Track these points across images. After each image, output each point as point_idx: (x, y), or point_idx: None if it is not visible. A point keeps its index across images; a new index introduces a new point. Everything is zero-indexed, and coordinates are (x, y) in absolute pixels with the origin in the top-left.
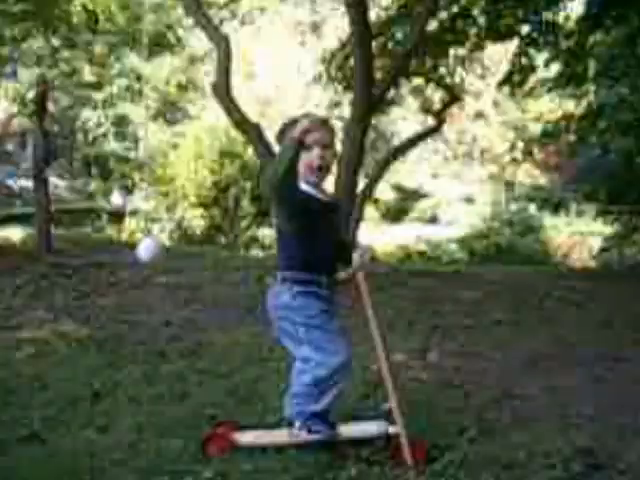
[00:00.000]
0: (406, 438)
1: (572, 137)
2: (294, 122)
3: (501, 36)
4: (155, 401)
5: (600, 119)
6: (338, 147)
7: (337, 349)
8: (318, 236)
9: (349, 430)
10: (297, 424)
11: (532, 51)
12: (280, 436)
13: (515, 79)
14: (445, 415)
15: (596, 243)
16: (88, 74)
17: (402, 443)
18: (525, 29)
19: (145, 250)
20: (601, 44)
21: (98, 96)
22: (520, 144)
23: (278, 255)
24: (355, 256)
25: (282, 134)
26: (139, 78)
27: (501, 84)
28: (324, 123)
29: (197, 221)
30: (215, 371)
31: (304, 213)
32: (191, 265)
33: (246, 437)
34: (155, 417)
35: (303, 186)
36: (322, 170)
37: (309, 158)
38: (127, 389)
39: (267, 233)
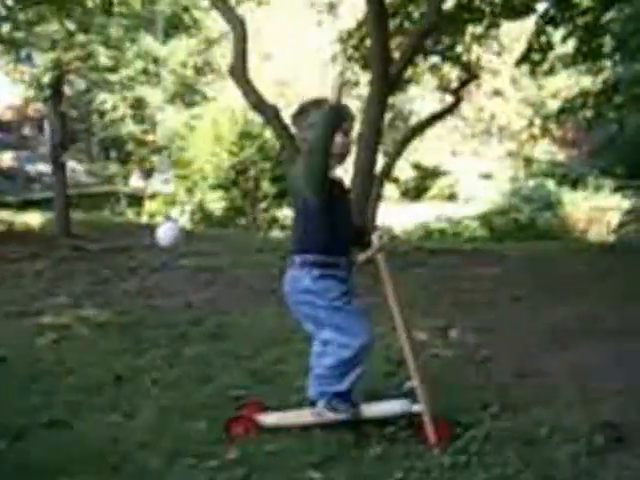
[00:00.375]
0: (429, 416)
1: (589, 113)
2: (313, 104)
3: (517, 13)
4: (178, 384)
5: (616, 94)
6: (356, 127)
7: (359, 330)
8: (336, 219)
9: (373, 409)
10: (320, 404)
11: (549, 29)
12: (304, 416)
13: (534, 57)
14: (467, 392)
15: (614, 218)
16: (104, 57)
17: (425, 421)
18: (541, 7)
19: (165, 234)
20: (616, 20)
21: (114, 78)
22: (537, 121)
23: (295, 239)
24: (374, 238)
25: (300, 115)
26: (155, 61)
27: (519, 62)
28: (347, 110)
29: (217, 203)
30: (237, 353)
31: (327, 197)
32: (211, 247)
33: (270, 418)
34: (179, 400)
35: None
36: (343, 156)
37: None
38: (150, 373)
39: (287, 214)
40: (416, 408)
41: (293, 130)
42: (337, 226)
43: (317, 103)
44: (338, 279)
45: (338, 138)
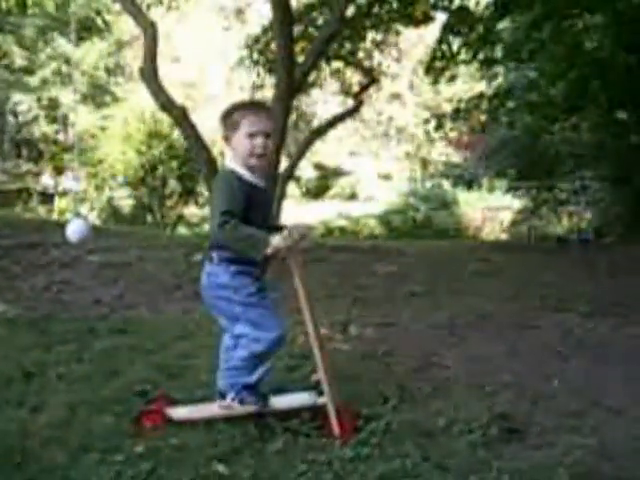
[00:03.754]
0: (333, 408)
1: (483, 117)
2: (241, 106)
3: (417, 22)
4: (86, 379)
5: (509, 99)
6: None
7: (273, 325)
8: (253, 219)
9: (280, 401)
10: (229, 396)
11: (451, 37)
12: (214, 409)
13: (437, 66)
14: (368, 385)
15: (507, 217)
16: (18, 58)
17: (330, 413)
18: (441, 16)
19: (73, 231)
20: (507, 29)
21: (29, 80)
22: (432, 122)
23: (212, 235)
24: (281, 236)
25: (228, 117)
26: (68, 62)
27: (427, 71)
28: (268, 112)
29: (125, 201)
30: (144, 347)
31: (242, 200)
32: (120, 244)
33: (180, 411)
34: (86, 395)
35: (241, 170)
36: (263, 157)
37: (252, 145)
38: (58, 368)
39: (193, 211)
40: (321, 400)
41: (221, 129)
42: (254, 225)
43: (243, 106)
44: (254, 275)
45: (259, 139)
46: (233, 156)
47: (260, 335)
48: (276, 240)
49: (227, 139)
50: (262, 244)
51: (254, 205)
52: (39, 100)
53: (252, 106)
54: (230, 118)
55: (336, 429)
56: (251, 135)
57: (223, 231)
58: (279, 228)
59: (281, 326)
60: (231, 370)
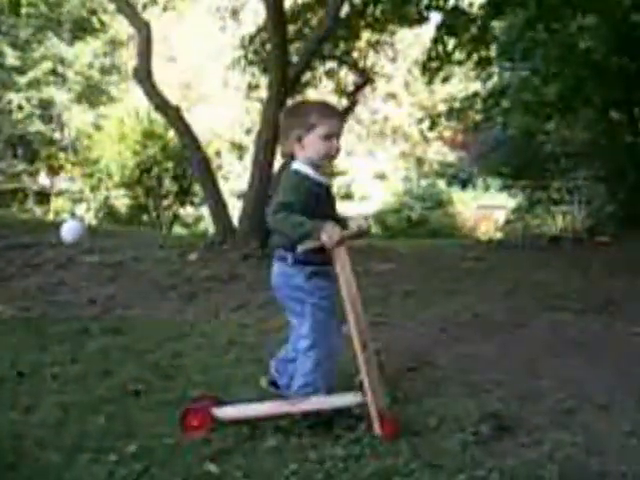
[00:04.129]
0: (376, 409)
1: (478, 116)
2: (317, 108)
3: (411, 22)
4: (80, 379)
5: (503, 98)
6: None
7: (333, 331)
8: (321, 215)
9: (326, 402)
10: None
11: (446, 38)
12: (261, 409)
13: (432, 66)
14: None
15: (501, 216)
16: (12, 58)
17: (372, 413)
18: (436, 17)
19: (68, 231)
20: (501, 29)
21: (22, 80)
22: (426, 121)
23: (285, 236)
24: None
25: (304, 117)
26: (62, 62)
27: (424, 72)
28: (341, 115)
29: (121, 201)
30: (138, 347)
31: (311, 198)
32: (115, 244)
33: (227, 411)
34: (80, 395)
35: (307, 169)
36: (334, 158)
37: (327, 147)
38: (52, 368)
39: (189, 211)
40: (361, 400)
41: (282, 124)
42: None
43: (319, 107)
44: (330, 276)
45: (334, 142)
46: (301, 155)
47: (323, 342)
48: (326, 233)
49: (299, 139)
50: (313, 229)
51: (321, 202)
52: (28, 100)
53: (328, 108)
54: (306, 118)
55: (378, 429)
56: (327, 137)
57: (274, 218)
58: (341, 221)
59: (341, 335)
60: (299, 378)
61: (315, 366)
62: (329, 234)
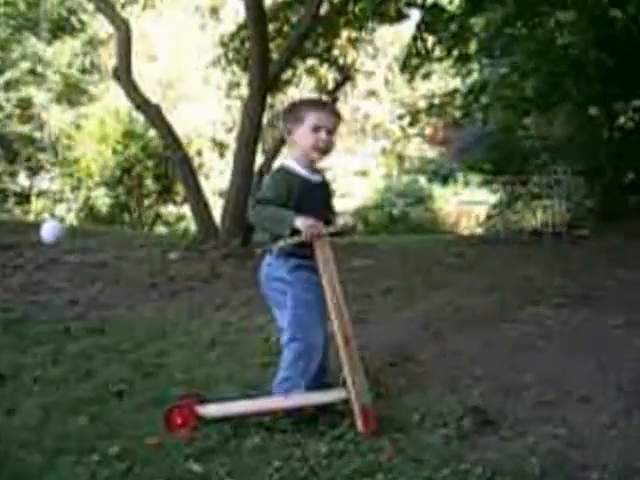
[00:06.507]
0: (359, 405)
1: (457, 112)
2: (307, 101)
3: (391, 19)
4: (61, 380)
5: (483, 95)
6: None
7: (317, 326)
8: (305, 212)
9: (312, 397)
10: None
11: (426, 35)
12: (245, 406)
13: (413, 63)
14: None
15: (482, 211)
16: None
17: (354, 409)
18: (416, 14)
19: (47, 232)
20: (479, 25)
21: (0, 80)
22: (407, 117)
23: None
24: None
25: (293, 111)
26: (40, 61)
27: (403, 69)
28: (333, 109)
29: (102, 200)
30: (120, 347)
31: (293, 194)
32: (96, 244)
33: (210, 409)
34: (61, 397)
35: (294, 165)
36: (323, 152)
37: (316, 139)
38: (33, 370)
39: (171, 210)
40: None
41: (281, 124)
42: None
43: (308, 101)
44: (314, 269)
45: (322, 134)
46: (292, 150)
47: (302, 335)
48: (300, 221)
49: (290, 132)
50: (286, 221)
51: (307, 199)
52: (8, 100)
53: (318, 102)
54: (295, 112)
55: (360, 426)
56: (316, 129)
57: (252, 211)
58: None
59: (324, 329)
60: (280, 371)
61: (294, 360)
62: (306, 225)
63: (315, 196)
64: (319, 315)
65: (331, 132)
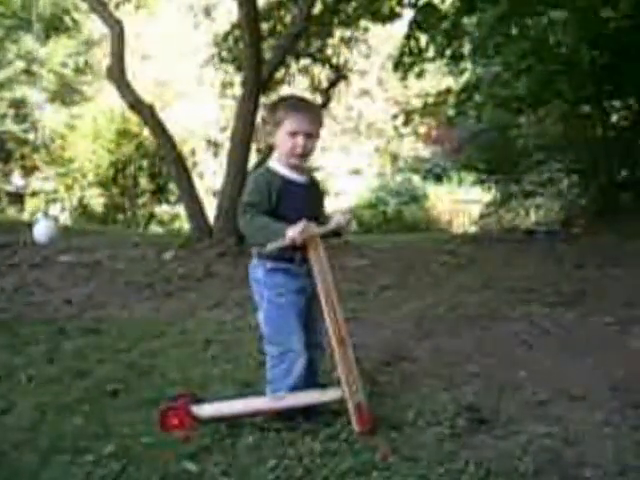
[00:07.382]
0: (353, 404)
1: (451, 111)
2: (286, 103)
3: (384, 18)
4: (56, 380)
5: (477, 93)
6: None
7: (290, 333)
8: (287, 214)
9: (307, 397)
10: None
11: (418, 34)
12: (240, 406)
13: (406, 62)
14: (337, 379)
15: (476, 210)
16: None
17: (349, 409)
18: (409, 13)
19: (39, 232)
20: (473, 24)
21: None
22: (400, 117)
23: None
24: (299, 225)
25: (273, 113)
26: (34, 60)
27: (396, 68)
28: (313, 113)
29: (96, 200)
30: (115, 347)
31: (277, 196)
32: (90, 243)
33: (205, 409)
34: (55, 396)
35: (277, 166)
36: (302, 156)
37: (293, 144)
38: (28, 370)
39: (165, 209)
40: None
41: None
42: (287, 221)
43: (287, 103)
44: (291, 274)
45: (299, 139)
46: (276, 152)
47: (277, 339)
48: (290, 231)
49: (270, 134)
50: (280, 234)
51: (289, 201)
52: (1, 99)
53: (297, 104)
54: (274, 114)
55: (354, 424)
56: (292, 134)
57: (240, 219)
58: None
59: (299, 340)
60: (267, 372)
61: (274, 363)
62: (295, 230)
63: (299, 196)
64: (295, 319)
65: (311, 135)
